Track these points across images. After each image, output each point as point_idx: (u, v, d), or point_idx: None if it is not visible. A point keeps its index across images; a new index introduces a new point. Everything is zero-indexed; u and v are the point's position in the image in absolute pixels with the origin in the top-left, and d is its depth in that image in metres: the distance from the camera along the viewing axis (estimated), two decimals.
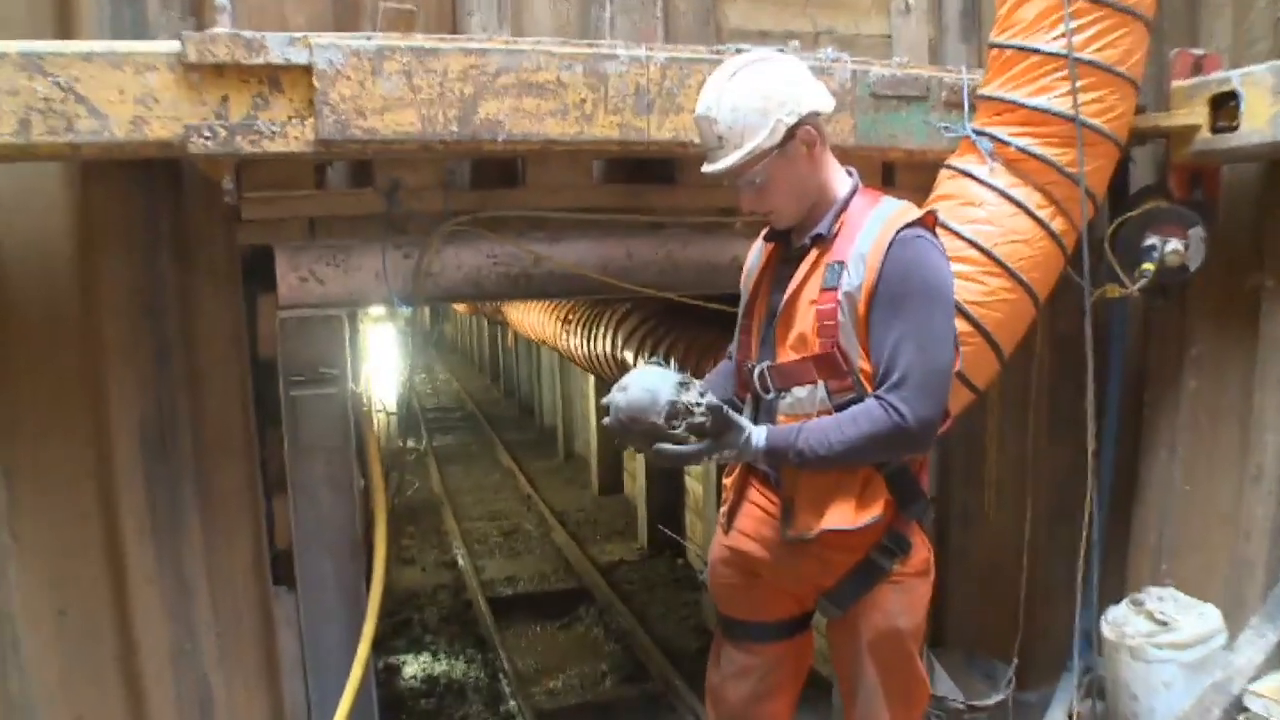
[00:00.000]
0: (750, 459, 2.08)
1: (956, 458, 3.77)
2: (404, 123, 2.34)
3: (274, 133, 2.27)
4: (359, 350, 3.66)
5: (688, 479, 7.67)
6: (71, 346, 2.63)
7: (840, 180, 2.13)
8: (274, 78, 2.27)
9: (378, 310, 4.71)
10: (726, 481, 2.37)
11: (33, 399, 2.60)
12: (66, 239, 2.62)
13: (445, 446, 14.50)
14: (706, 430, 1.98)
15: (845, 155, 2.29)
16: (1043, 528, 3.60)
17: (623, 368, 5.02)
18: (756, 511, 2.25)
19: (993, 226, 2.76)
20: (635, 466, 9.01)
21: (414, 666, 6.18)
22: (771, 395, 2.13)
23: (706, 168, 2.09)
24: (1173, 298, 3.44)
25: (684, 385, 1.99)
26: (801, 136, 2.03)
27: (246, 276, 2.81)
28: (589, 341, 5.95)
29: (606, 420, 2.05)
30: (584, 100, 2.48)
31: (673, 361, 2.14)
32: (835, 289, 2.00)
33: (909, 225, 1.99)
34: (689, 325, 4.59)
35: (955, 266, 2.31)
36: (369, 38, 2.32)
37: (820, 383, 2.04)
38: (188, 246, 2.72)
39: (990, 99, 2.86)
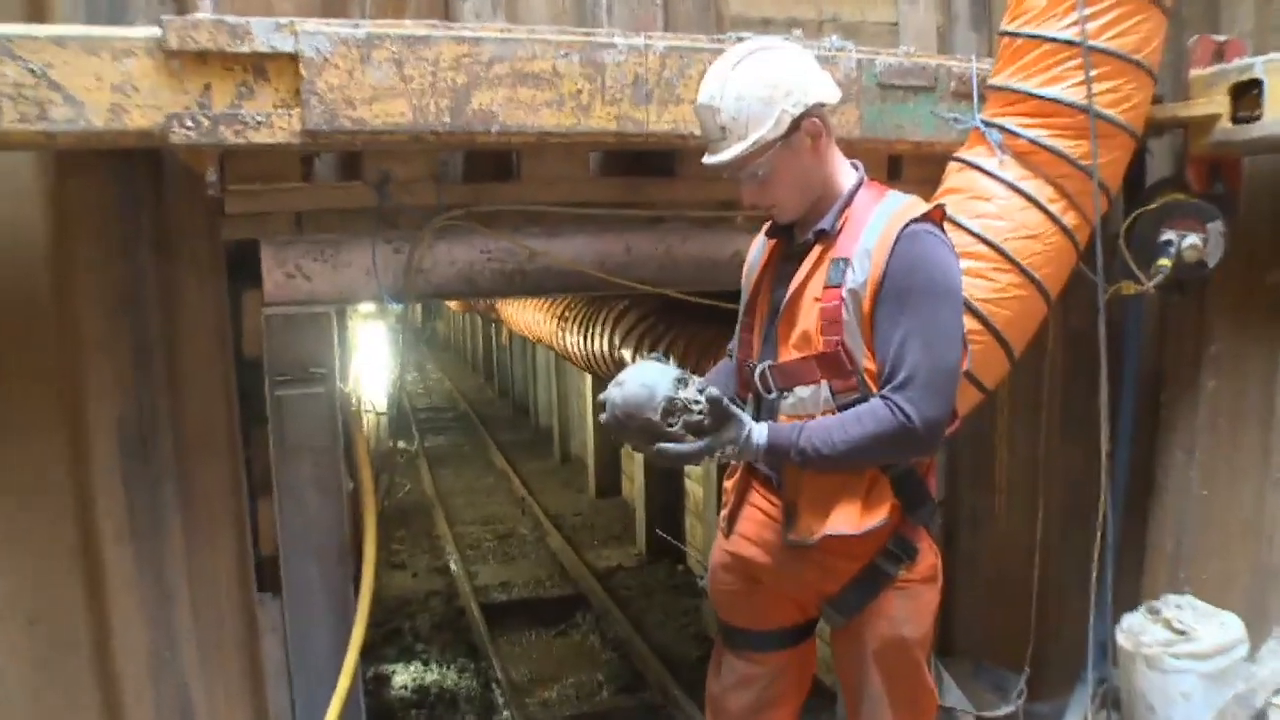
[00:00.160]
0: (751, 457, 2.08)
1: (965, 459, 3.77)
2: (394, 113, 2.34)
3: (259, 123, 2.27)
4: (348, 348, 3.66)
5: (688, 481, 7.68)
6: (46, 342, 2.62)
7: (845, 173, 2.14)
8: (259, 66, 2.27)
9: (367, 307, 4.72)
10: (727, 484, 2.37)
11: (4, 396, 2.59)
12: (40, 230, 2.60)
13: (437, 447, 14.52)
14: (705, 428, 1.98)
15: (850, 147, 2.29)
16: (1055, 532, 3.60)
17: (620, 367, 5.01)
18: (758, 515, 2.25)
19: (1003, 221, 2.76)
20: (633, 468, 9.02)
21: (404, 676, 6.19)
22: (773, 395, 2.13)
23: (708, 160, 2.09)
24: (1190, 294, 3.43)
25: (682, 381, 2.00)
26: (806, 128, 2.03)
27: (231, 272, 2.81)
28: (586, 339, 5.95)
29: (603, 416, 2.06)
30: (580, 90, 2.48)
31: (671, 359, 2.14)
32: (839, 286, 2.00)
33: (916, 220, 2.00)
34: (689, 323, 4.60)
35: (964, 262, 2.33)
36: (358, 25, 2.32)
37: (824, 382, 2.04)
38: (169, 240, 2.72)
39: (1001, 89, 2.86)
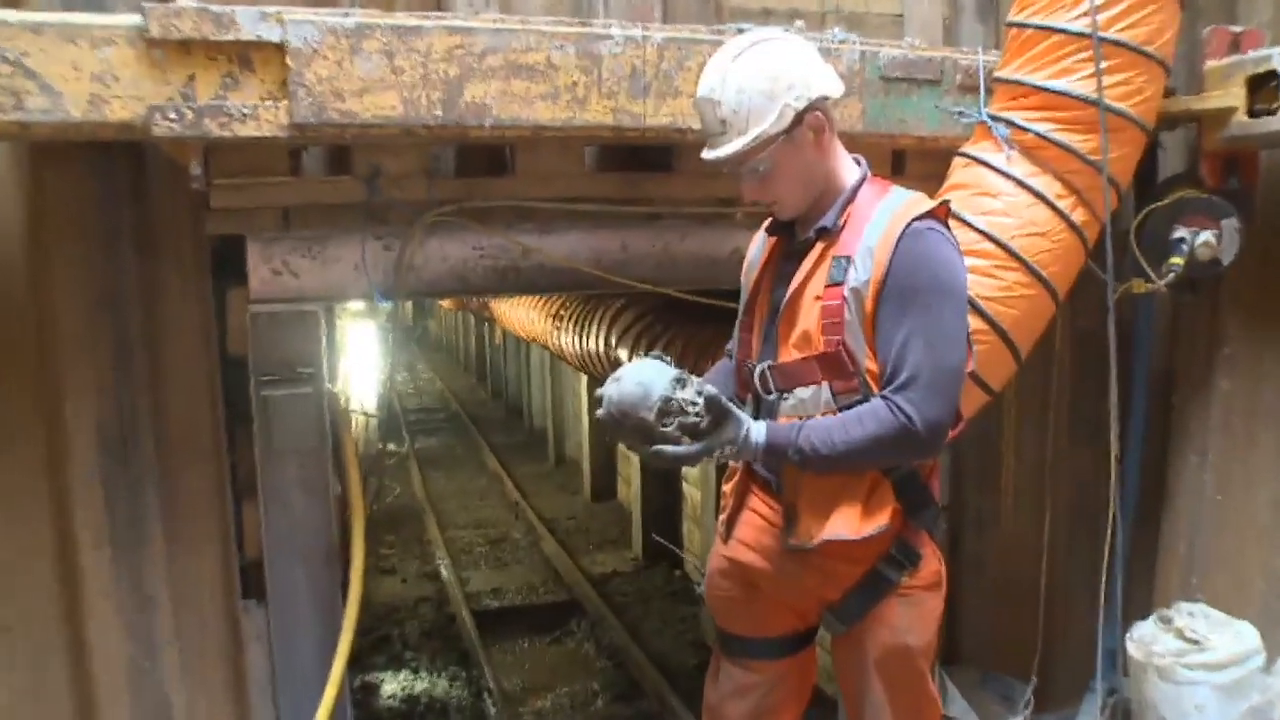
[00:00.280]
0: (750, 456, 2.08)
1: (970, 462, 3.78)
2: (385, 106, 2.34)
3: (245, 115, 2.27)
4: (336, 347, 3.66)
5: (685, 484, 7.69)
6: (23, 341, 2.62)
7: (848, 169, 2.14)
8: (245, 56, 2.27)
9: (356, 305, 4.72)
10: (726, 488, 2.37)
11: None
12: (16, 224, 2.60)
13: (428, 449, 14.52)
14: (701, 430, 1.99)
15: (852, 142, 2.29)
16: (1063, 537, 3.61)
17: (616, 367, 5.03)
18: (757, 520, 2.26)
19: (1009, 218, 2.77)
20: (630, 471, 9.03)
21: (393, 685, 6.20)
22: (773, 396, 2.13)
23: (707, 154, 2.09)
24: (1203, 293, 3.44)
25: (680, 382, 2.00)
26: (809, 122, 2.03)
27: (215, 268, 2.81)
28: (581, 339, 5.96)
29: (599, 412, 2.06)
30: (576, 83, 2.48)
31: (669, 359, 2.14)
32: (841, 284, 2.00)
33: (920, 217, 2.00)
34: (687, 322, 4.61)
35: (969, 260, 2.33)
36: (347, 14, 2.33)
37: (824, 383, 2.04)
38: (152, 235, 2.71)
39: (1008, 82, 2.86)
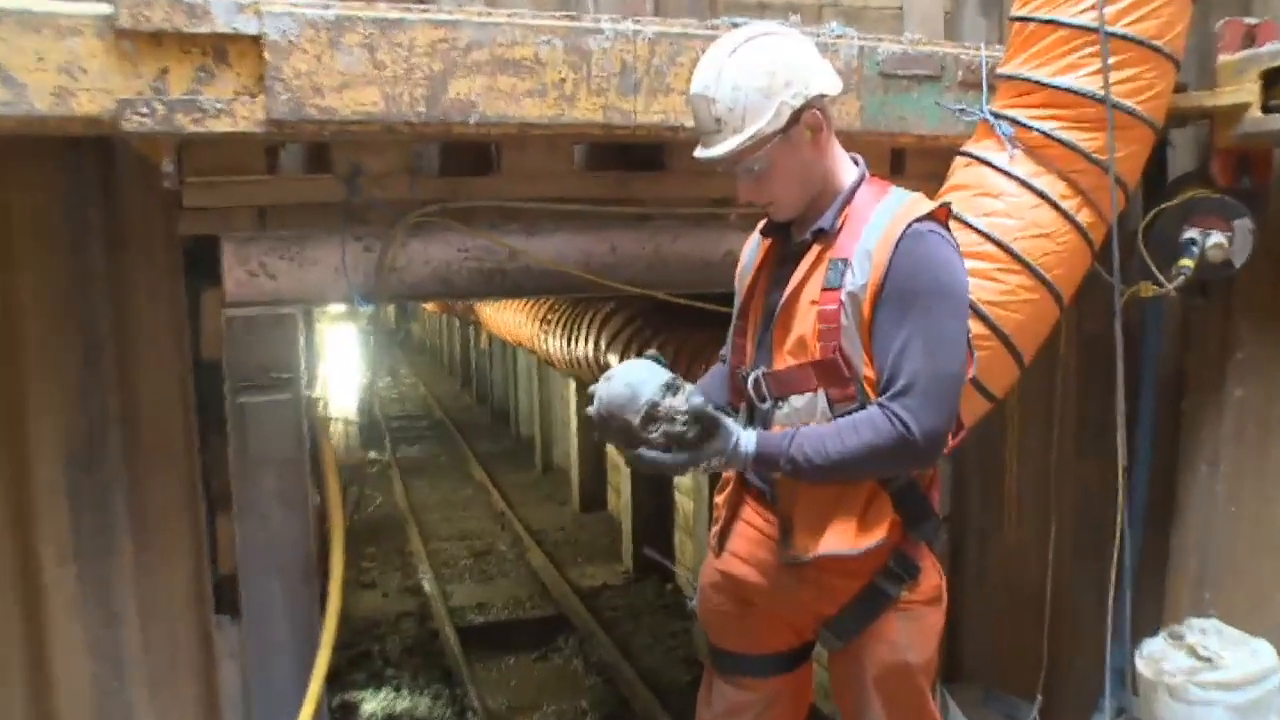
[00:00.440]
0: (739, 467, 2.09)
1: (972, 472, 3.79)
2: (366, 102, 2.34)
3: (220, 110, 2.27)
4: (315, 352, 3.66)
5: (678, 494, 7.69)
6: None
7: (845, 169, 2.15)
8: (220, 49, 2.26)
9: (337, 308, 4.71)
10: (718, 499, 2.38)
11: None
12: None
13: (410, 458, 14.50)
14: (686, 441, 1.99)
15: (850, 141, 2.31)
16: (1069, 550, 3.61)
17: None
18: (751, 532, 2.26)
19: (1012, 219, 2.78)
20: (620, 480, 9.03)
21: (373, 703, 6.18)
22: (767, 405, 2.14)
23: (701, 153, 2.10)
24: (1214, 297, 3.45)
25: (671, 388, 2.00)
26: (807, 121, 2.04)
27: (188, 270, 2.80)
28: (570, 343, 5.97)
29: (589, 409, 2.08)
30: (564, 79, 2.49)
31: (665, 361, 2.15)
32: (838, 288, 2.01)
33: (920, 219, 2.01)
34: (679, 326, 4.62)
35: (970, 263, 2.34)
36: (327, 6, 2.32)
37: (820, 391, 2.05)
38: (121, 235, 2.71)
39: (1011, 78, 2.88)
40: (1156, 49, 2.79)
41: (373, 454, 13.85)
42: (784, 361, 2.11)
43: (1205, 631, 3.23)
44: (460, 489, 12.38)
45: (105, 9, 2.17)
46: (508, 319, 8.02)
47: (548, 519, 10.36)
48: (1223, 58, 3.12)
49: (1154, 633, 3.34)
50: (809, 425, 2.05)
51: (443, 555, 9.32)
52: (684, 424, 1.98)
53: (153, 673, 2.79)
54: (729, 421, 2.04)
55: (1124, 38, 2.75)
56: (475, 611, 7.82)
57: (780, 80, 2.00)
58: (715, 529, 2.37)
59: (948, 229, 2.09)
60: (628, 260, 3.04)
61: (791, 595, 2.20)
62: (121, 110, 2.20)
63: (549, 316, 6.62)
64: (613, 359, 5.09)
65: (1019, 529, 3.76)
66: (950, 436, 2.09)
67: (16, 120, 2.18)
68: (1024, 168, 2.81)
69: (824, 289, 2.03)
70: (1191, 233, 3.14)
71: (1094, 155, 2.79)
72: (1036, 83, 2.81)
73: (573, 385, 9.72)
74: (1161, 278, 3.14)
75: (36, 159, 2.58)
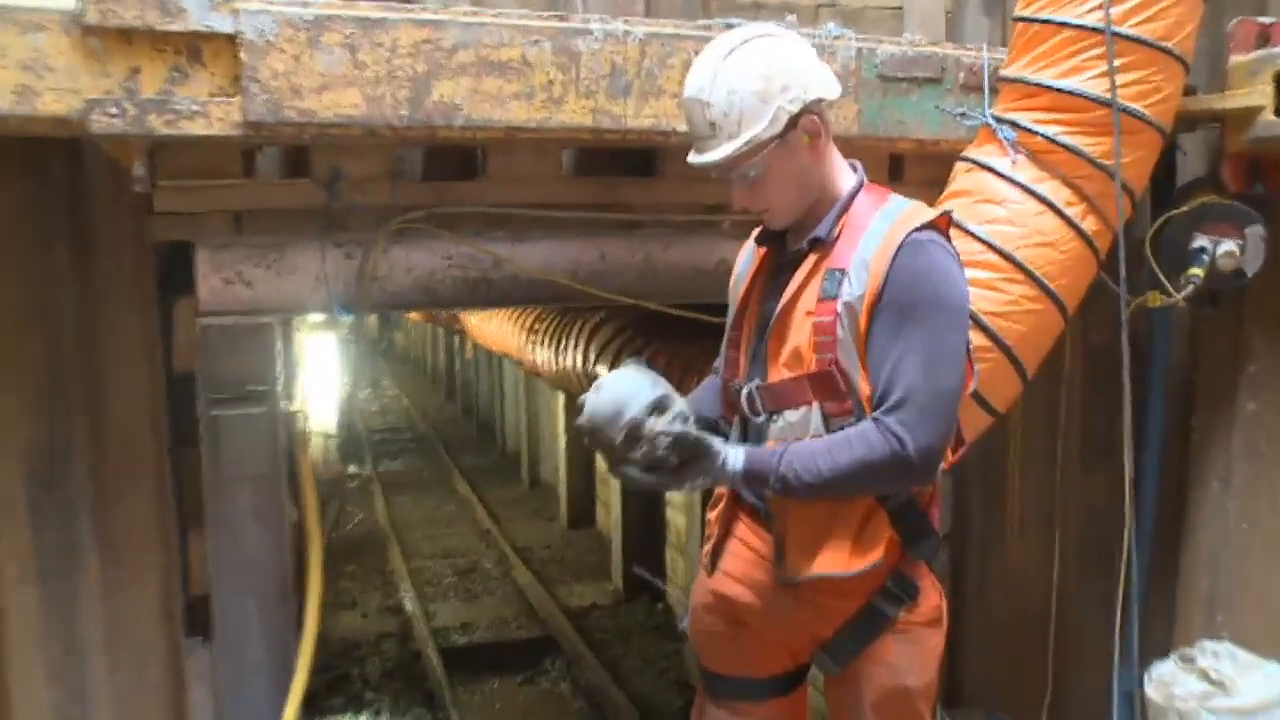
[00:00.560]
0: (727, 484, 2.09)
1: (974, 488, 3.78)
2: (346, 104, 2.34)
3: (193, 112, 2.26)
4: (293, 363, 3.64)
5: (669, 510, 7.68)
6: None
7: (843, 175, 2.15)
8: (194, 47, 2.26)
9: (316, 318, 4.69)
10: (710, 515, 2.37)
11: None
12: None
13: (393, 473, 14.47)
14: (667, 465, 1.99)
15: (848, 146, 2.31)
16: (1074, 570, 3.61)
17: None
18: (745, 551, 2.25)
19: (1015, 227, 2.78)
20: (609, 496, 9.01)
21: None
22: (761, 419, 2.14)
23: (694, 159, 2.10)
24: (1225, 307, 3.45)
25: (658, 408, 2.00)
26: (804, 126, 2.04)
27: (160, 278, 2.79)
28: (557, 354, 5.96)
29: (578, 419, 2.08)
30: (552, 81, 2.49)
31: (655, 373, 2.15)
32: (835, 299, 2.00)
33: (920, 228, 2.01)
34: (670, 337, 4.61)
35: (971, 273, 2.34)
36: (306, 4, 2.32)
37: (816, 405, 2.04)
38: (88, 242, 2.69)
39: (1014, 81, 2.88)
40: (1165, 50, 2.79)
41: (353, 468, 13.82)
42: (778, 374, 2.10)
43: (1218, 654, 3.23)
44: (444, 505, 12.36)
45: (72, 4, 2.16)
46: (494, 328, 8.02)
47: (534, 536, 10.35)
48: (1235, 59, 3.11)
49: (1164, 655, 3.34)
50: (801, 440, 2.05)
51: (425, 574, 9.30)
52: (666, 449, 1.98)
53: (119, 699, 2.77)
54: (714, 442, 2.03)
55: (1131, 39, 2.75)
56: (459, 632, 7.80)
57: (777, 84, 1.99)
58: (708, 547, 2.36)
59: (948, 238, 2.09)
60: (617, 269, 3.04)
61: (787, 616, 2.19)
62: (89, 110, 2.19)
63: (536, 326, 6.62)
64: (602, 370, 5.08)
65: (1022, 547, 3.75)
66: (949, 452, 2.09)
67: None
68: (1027, 173, 2.81)
69: (820, 299, 2.03)
70: (1201, 240, 3.14)
71: (1100, 161, 2.80)
72: (1040, 85, 2.82)
73: (561, 398, 9.71)
74: (1170, 287, 3.15)
75: None
